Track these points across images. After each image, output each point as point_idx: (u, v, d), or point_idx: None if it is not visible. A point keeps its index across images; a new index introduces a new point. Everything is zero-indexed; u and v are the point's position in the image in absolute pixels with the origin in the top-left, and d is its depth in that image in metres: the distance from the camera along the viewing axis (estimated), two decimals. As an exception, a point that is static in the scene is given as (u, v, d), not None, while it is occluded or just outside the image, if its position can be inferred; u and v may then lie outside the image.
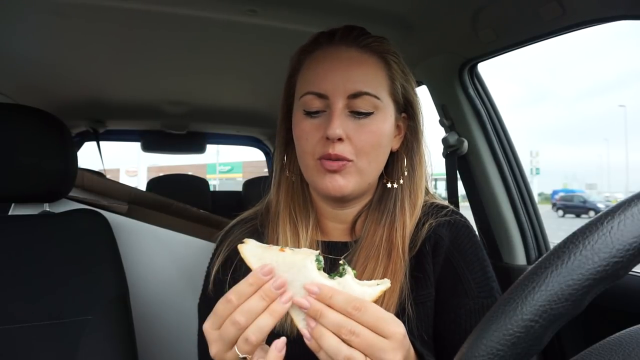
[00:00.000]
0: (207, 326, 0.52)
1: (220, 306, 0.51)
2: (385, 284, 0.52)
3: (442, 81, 1.32)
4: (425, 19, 1.16)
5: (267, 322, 0.49)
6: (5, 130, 0.95)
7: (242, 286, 0.50)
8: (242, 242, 0.53)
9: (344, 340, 0.48)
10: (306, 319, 0.49)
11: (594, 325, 1.04)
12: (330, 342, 0.47)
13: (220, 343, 0.51)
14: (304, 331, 0.49)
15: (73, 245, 1.00)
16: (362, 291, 0.51)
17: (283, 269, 0.50)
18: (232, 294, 0.50)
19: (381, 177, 0.79)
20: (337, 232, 0.80)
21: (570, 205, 25.15)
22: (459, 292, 0.72)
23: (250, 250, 0.52)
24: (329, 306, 0.48)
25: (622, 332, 0.33)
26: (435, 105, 1.39)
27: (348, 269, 0.52)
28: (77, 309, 0.93)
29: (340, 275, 0.52)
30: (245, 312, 0.49)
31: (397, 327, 0.49)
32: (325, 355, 0.48)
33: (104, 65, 1.61)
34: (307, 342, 0.49)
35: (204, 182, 2.97)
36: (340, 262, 0.55)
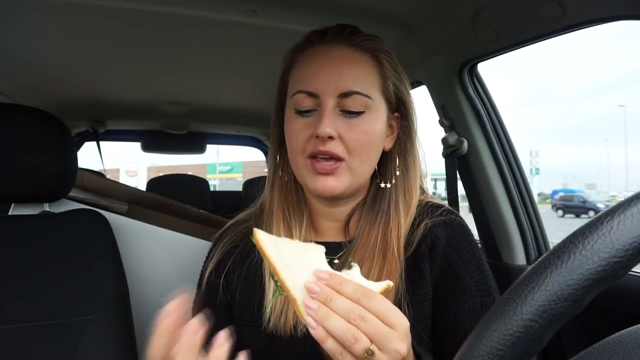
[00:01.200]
0: None
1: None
2: (388, 282, 0.53)
3: (442, 81, 1.32)
4: (425, 19, 1.16)
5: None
6: (5, 130, 0.95)
7: (157, 341, 0.52)
8: (254, 231, 0.52)
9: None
10: (306, 303, 0.49)
11: (594, 325, 1.04)
12: (337, 322, 0.47)
13: None
14: (308, 320, 0.48)
15: (73, 245, 1.00)
16: (367, 284, 0.52)
17: (295, 254, 0.51)
18: (154, 350, 0.52)
19: (375, 176, 0.78)
20: (331, 231, 0.80)
21: (570, 205, 25.16)
22: (457, 292, 0.72)
23: (264, 235, 0.52)
24: (338, 292, 0.49)
25: (622, 332, 0.33)
26: (435, 105, 1.39)
27: (355, 264, 0.53)
28: (77, 309, 0.93)
29: (348, 270, 0.53)
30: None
31: (403, 319, 0.50)
32: (333, 343, 0.48)
33: (104, 65, 1.61)
34: (312, 331, 0.48)
35: (204, 182, 2.97)
36: (349, 259, 0.55)
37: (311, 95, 0.70)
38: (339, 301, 0.48)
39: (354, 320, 0.47)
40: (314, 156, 0.69)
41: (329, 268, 0.51)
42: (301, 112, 0.71)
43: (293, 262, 0.50)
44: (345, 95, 0.69)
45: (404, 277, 0.71)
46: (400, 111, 0.78)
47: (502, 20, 1.05)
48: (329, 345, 0.48)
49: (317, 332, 0.48)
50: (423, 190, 0.81)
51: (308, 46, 0.75)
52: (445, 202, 0.82)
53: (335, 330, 0.47)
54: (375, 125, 0.72)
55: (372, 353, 0.47)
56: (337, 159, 0.69)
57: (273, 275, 0.50)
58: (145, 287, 1.23)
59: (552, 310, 0.30)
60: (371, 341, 0.48)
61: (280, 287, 0.51)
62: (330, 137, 0.68)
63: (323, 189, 0.70)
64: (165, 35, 1.32)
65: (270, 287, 0.71)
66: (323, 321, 0.47)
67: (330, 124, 0.68)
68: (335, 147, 0.68)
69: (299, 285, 0.49)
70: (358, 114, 0.70)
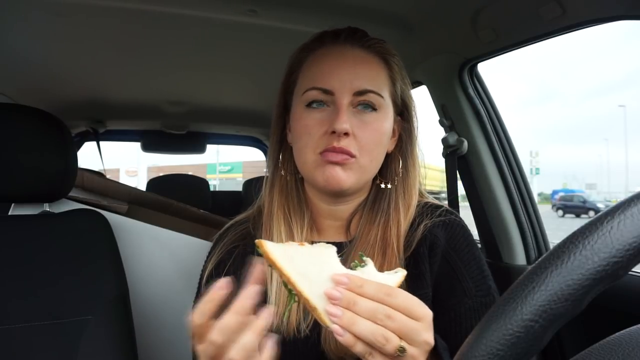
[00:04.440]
0: (193, 341, 0.51)
1: (196, 324, 0.49)
2: (402, 271, 0.52)
3: (442, 81, 1.32)
4: (425, 19, 1.16)
5: (249, 340, 0.47)
6: (5, 130, 0.95)
7: (203, 306, 0.48)
8: (258, 243, 0.50)
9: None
10: (329, 311, 0.47)
11: (594, 325, 1.04)
12: (365, 325, 0.46)
13: (205, 358, 0.50)
14: (334, 327, 0.46)
15: (73, 245, 1.00)
16: (385, 278, 0.51)
17: (307, 262, 0.49)
18: (197, 314, 0.48)
19: (375, 178, 0.79)
20: (332, 231, 0.80)
21: (570, 205, 25.18)
22: (457, 292, 0.72)
23: (273, 247, 0.49)
24: (360, 295, 0.47)
25: (622, 332, 0.33)
26: (435, 105, 1.39)
27: (368, 259, 0.52)
28: (77, 309, 0.92)
29: (362, 267, 0.51)
30: (221, 331, 0.47)
31: (427, 309, 0.50)
32: (362, 346, 0.47)
33: (104, 65, 1.61)
34: (339, 338, 0.46)
35: (204, 182, 2.97)
36: (360, 253, 0.54)
37: (326, 92, 0.71)
38: (362, 304, 0.47)
39: (380, 321, 0.46)
40: (326, 152, 0.70)
41: (344, 269, 0.50)
42: (313, 109, 0.72)
43: (307, 270, 0.49)
44: (360, 93, 0.70)
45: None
46: (402, 114, 0.79)
47: (502, 20, 1.05)
48: (358, 348, 0.47)
49: (345, 339, 0.46)
50: (422, 193, 0.82)
51: (319, 46, 0.75)
52: (445, 203, 0.82)
53: (364, 333, 0.46)
54: (385, 125, 0.73)
55: (404, 350, 0.47)
56: (349, 155, 0.69)
57: (286, 284, 0.49)
58: (145, 287, 1.23)
59: (552, 310, 0.30)
60: (400, 337, 0.47)
61: (295, 296, 0.49)
62: (346, 134, 0.68)
63: (333, 179, 0.70)
64: (165, 35, 1.32)
65: (279, 294, 0.70)
66: (350, 327, 0.46)
67: (347, 120, 0.68)
68: (349, 144, 0.69)
69: (317, 293, 0.48)
70: (372, 109, 0.71)
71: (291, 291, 0.49)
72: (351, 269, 0.51)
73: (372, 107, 0.71)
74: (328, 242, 0.76)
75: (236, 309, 0.48)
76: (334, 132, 0.68)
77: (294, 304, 0.50)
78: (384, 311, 0.47)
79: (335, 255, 0.50)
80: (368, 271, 0.51)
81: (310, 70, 0.74)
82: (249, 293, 0.48)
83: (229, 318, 0.47)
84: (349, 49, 0.73)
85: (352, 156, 0.70)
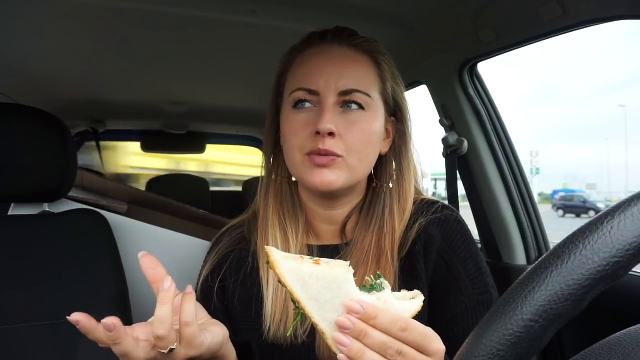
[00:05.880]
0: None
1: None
2: (420, 297, 0.50)
3: (442, 81, 1.32)
4: (425, 18, 1.16)
5: (163, 312, 0.50)
6: (5, 130, 0.95)
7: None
8: (267, 252, 0.47)
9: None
10: (337, 339, 0.45)
11: (594, 325, 1.04)
12: (373, 358, 0.45)
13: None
14: (341, 356, 0.45)
15: (73, 246, 1.00)
16: (403, 307, 0.48)
17: (322, 285, 0.46)
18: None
19: (371, 181, 0.78)
20: (328, 235, 0.79)
21: (570, 205, 25.18)
22: (454, 291, 0.71)
23: (284, 265, 0.46)
24: (373, 326, 0.45)
25: (622, 332, 0.33)
26: (435, 105, 1.39)
27: (385, 282, 0.49)
28: (77, 309, 0.92)
29: (378, 290, 0.49)
30: (114, 345, 0.50)
31: (440, 344, 0.48)
32: None
33: (104, 65, 1.61)
34: None
35: (204, 182, 2.97)
36: (377, 273, 0.52)
37: (311, 93, 0.70)
38: (374, 336, 0.45)
39: (390, 356, 0.45)
40: (312, 154, 0.69)
41: (359, 294, 0.47)
42: (300, 109, 0.71)
43: (320, 295, 0.46)
44: (345, 93, 0.70)
45: (398, 281, 0.71)
46: (396, 115, 0.78)
47: (503, 20, 1.05)
48: None
49: None
50: (418, 191, 0.81)
51: (307, 46, 0.75)
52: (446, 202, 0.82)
53: None
54: (374, 125, 0.72)
55: None
56: (336, 156, 0.69)
57: (294, 302, 0.47)
58: (145, 287, 1.22)
59: (553, 310, 0.29)
60: None
61: (302, 314, 0.47)
62: (331, 134, 0.67)
63: (321, 183, 0.69)
64: (165, 35, 1.32)
65: (275, 299, 0.70)
66: (357, 358, 0.45)
67: (331, 119, 0.67)
68: (334, 146, 0.68)
69: (328, 319, 0.46)
70: (359, 107, 0.70)
71: (298, 309, 0.47)
72: (366, 288, 0.49)
73: (360, 107, 0.70)
74: (324, 245, 0.77)
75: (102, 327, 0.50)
76: (318, 132, 0.67)
77: (300, 320, 0.48)
78: (395, 346, 0.45)
79: (352, 279, 0.47)
80: (385, 297, 0.48)
81: (297, 71, 0.74)
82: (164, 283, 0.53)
83: (100, 336, 0.50)
84: (336, 49, 0.73)
85: (339, 157, 0.69)
